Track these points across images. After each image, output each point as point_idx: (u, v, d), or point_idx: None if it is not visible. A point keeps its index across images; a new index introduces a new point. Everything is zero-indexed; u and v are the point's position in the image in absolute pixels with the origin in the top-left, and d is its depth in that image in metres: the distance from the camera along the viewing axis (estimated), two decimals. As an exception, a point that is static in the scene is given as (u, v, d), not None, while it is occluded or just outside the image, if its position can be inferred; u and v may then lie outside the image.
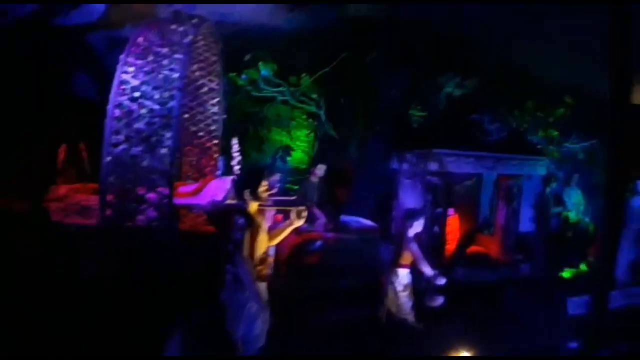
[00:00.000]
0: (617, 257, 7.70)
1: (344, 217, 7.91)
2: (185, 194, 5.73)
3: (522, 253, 8.27)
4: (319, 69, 7.56)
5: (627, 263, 7.72)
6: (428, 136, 7.53)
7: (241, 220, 5.06)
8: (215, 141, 6.75)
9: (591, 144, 9.68)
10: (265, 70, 7.16)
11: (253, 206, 5.31)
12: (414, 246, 6.25)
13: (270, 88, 7.35)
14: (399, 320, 6.29)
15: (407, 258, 6.24)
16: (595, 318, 4.53)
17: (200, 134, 6.63)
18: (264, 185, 5.24)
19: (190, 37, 5.44)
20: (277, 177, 6.52)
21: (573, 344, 5.89)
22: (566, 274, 8.42)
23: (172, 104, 5.07)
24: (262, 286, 5.37)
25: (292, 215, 5.51)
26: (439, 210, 7.65)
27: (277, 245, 6.33)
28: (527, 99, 9.04)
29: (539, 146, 8.89)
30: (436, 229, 7.62)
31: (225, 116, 6.74)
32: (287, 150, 8.09)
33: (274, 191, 6.34)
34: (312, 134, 7.97)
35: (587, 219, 9.49)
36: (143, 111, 5.01)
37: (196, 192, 5.70)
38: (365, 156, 7.95)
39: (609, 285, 6.90)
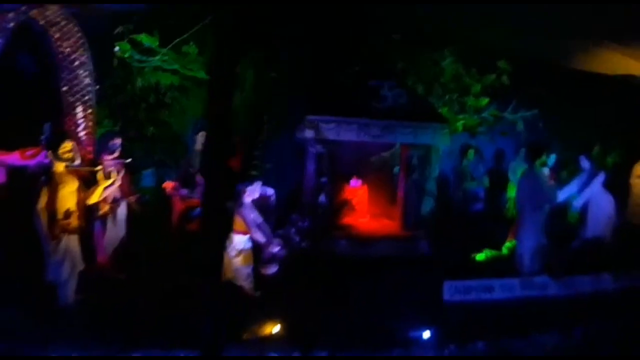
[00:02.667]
0: (524, 241, 7.24)
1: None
2: (26, 156, 6.20)
3: (424, 229, 7.84)
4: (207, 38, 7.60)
5: (532, 248, 7.09)
6: (310, 103, 7.37)
7: (43, 178, 5.46)
8: (90, 110, 7.16)
9: (532, 114, 8.86)
10: (148, 41, 7.37)
11: (59, 166, 5.66)
12: (247, 212, 6.33)
13: (153, 58, 7.54)
14: (235, 286, 6.30)
15: (240, 224, 6.28)
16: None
17: (77, 104, 7.06)
18: (64, 147, 5.59)
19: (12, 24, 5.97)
20: (117, 140, 6.76)
21: (423, 332, 5.75)
22: (480, 256, 7.90)
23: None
24: (73, 238, 5.71)
25: (99, 175, 5.82)
26: (324, 179, 7.52)
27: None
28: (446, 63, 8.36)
29: (459, 115, 8.35)
30: (322, 198, 7.56)
31: (97, 87, 7.08)
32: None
33: (115, 155, 6.70)
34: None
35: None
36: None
37: (33, 156, 6.15)
38: (265, 125, 7.90)
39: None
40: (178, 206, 7.85)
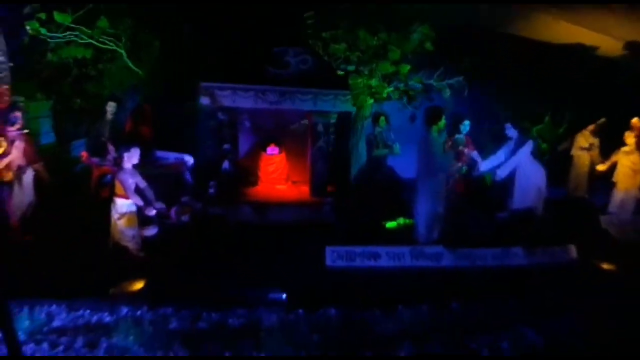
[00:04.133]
0: (419, 209, 7.22)
1: (158, 152, 8.33)
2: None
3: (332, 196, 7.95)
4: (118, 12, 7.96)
5: (427, 217, 7.12)
6: (208, 70, 7.59)
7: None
8: (6, 86, 7.64)
9: (457, 80, 8.68)
10: (60, 18, 7.79)
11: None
12: (126, 177, 6.65)
13: (67, 34, 7.97)
14: (120, 247, 6.65)
15: (120, 188, 6.61)
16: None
17: None
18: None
19: None
20: (18, 113, 7.19)
21: (279, 295, 5.91)
22: (391, 224, 7.93)
23: None
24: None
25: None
26: (226, 146, 7.75)
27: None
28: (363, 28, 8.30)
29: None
30: (225, 165, 7.79)
31: (11, 64, 7.56)
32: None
33: (17, 126, 7.16)
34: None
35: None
36: None
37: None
38: (170, 92, 8.19)
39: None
40: (94, 174, 8.29)
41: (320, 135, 8.01)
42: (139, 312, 5.43)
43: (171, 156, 8.40)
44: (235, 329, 5.26)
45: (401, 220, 8.19)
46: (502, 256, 7.25)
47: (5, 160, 7.02)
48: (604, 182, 9.05)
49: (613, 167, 8.85)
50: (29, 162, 7.41)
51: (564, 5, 9.08)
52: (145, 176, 7.14)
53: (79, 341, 4.81)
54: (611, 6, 9.25)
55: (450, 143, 8.07)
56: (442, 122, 7.19)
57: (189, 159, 8.34)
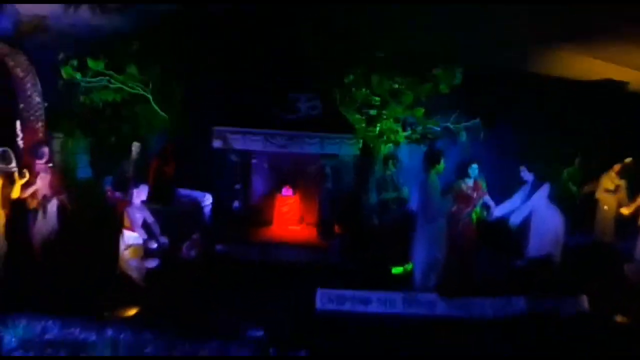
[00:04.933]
0: (416, 255, 7.24)
1: (180, 190, 8.93)
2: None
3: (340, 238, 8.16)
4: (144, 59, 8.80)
5: (424, 263, 7.15)
6: (222, 115, 8.14)
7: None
8: (41, 123, 8.62)
9: (473, 123, 8.67)
10: (93, 65, 8.70)
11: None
12: (133, 212, 7.21)
13: (98, 79, 8.87)
14: (126, 275, 7.20)
15: (127, 221, 7.17)
16: None
17: (32, 118, 8.56)
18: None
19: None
20: (45, 148, 7.98)
21: (257, 332, 6.13)
22: (397, 269, 7.97)
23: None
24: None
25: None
26: (238, 186, 8.19)
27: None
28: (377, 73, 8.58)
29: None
30: (235, 204, 8.20)
31: (46, 103, 8.54)
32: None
33: (44, 159, 7.96)
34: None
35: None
36: None
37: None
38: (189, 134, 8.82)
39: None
40: (119, 208, 8.98)
41: (327, 178, 8.26)
42: (121, 335, 5.83)
43: (192, 194, 8.97)
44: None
45: (408, 266, 8.13)
46: (502, 306, 7.02)
47: (30, 190, 7.78)
48: (633, 226, 8.54)
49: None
50: (54, 192, 8.21)
51: (590, 40, 8.84)
52: (164, 211, 7.67)
53: (61, 354, 5.37)
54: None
55: (478, 187, 8.03)
56: (442, 165, 7.20)
57: (207, 198, 8.83)
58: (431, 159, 7.25)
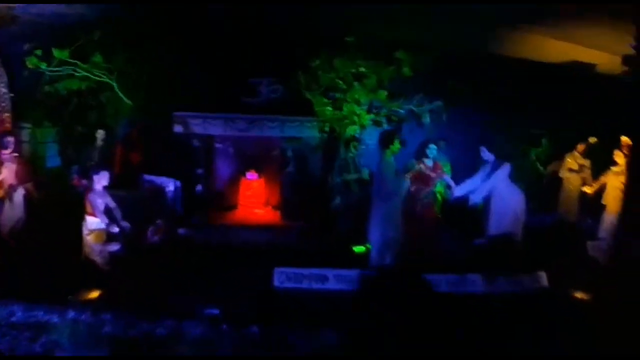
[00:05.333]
0: (372, 233, 7.40)
1: (145, 176, 9.05)
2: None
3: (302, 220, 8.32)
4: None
5: (380, 241, 7.32)
6: (182, 100, 8.26)
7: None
8: (7, 114, 8.76)
9: (436, 105, 8.80)
10: (58, 54, 8.80)
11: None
12: (94, 197, 7.36)
13: (63, 68, 8.98)
14: (89, 260, 7.36)
15: (89, 207, 7.32)
16: None
17: None
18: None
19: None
20: (10, 138, 8.11)
21: (213, 311, 6.26)
22: (359, 248, 8.11)
23: None
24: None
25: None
26: (200, 171, 8.32)
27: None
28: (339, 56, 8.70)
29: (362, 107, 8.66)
30: (198, 187, 8.32)
31: (12, 94, 8.64)
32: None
33: (9, 150, 8.10)
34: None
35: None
36: None
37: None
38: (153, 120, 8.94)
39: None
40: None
41: (289, 161, 8.39)
42: (82, 316, 6.11)
43: (157, 180, 9.11)
44: (160, 337, 5.79)
45: (369, 245, 8.29)
46: (458, 283, 7.19)
47: (-1, 179, 7.94)
48: (597, 205, 8.68)
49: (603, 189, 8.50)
50: (20, 182, 8.36)
51: (557, 23, 8.92)
52: (129, 197, 7.80)
53: (25, 335, 5.58)
54: (610, 21, 9.02)
55: (438, 167, 8.18)
56: (396, 146, 7.33)
57: (172, 183, 8.97)
58: (385, 140, 7.40)
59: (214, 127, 8.29)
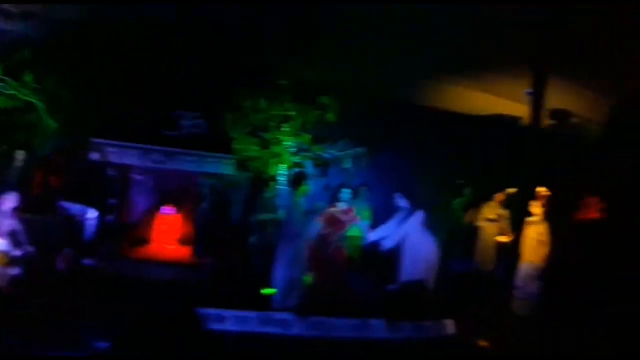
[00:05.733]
0: (275, 274, 7.40)
1: (63, 202, 8.89)
2: None
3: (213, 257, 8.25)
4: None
5: (283, 282, 7.28)
6: (104, 127, 8.25)
7: None
8: None
9: (356, 151, 9.02)
10: None
11: None
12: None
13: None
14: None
15: (-3, 229, 7.18)
16: None
17: None
18: None
19: None
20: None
21: (102, 344, 6.11)
22: (268, 290, 8.04)
23: None
24: None
25: None
26: (113, 201, 8.23)
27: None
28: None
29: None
30: (109, 217, 8.20)
31: None
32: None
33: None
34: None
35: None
36: None
37: None
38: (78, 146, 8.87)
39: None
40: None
41: (205, 197, 8.41)
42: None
43: (72, 207, 8.97)
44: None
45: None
46: (360, 328, 7.20)
47: None
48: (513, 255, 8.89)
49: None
50: None
51: (479, 75, 9.38)
52: (40, 221, 7.66)
53: None
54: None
55: (350, 212, 8.27)
56: (306, 187, 7.46)
57: (86, 211, 8.84)
58: (295, 181, 7.54)
59: (130, 157, 8.28)
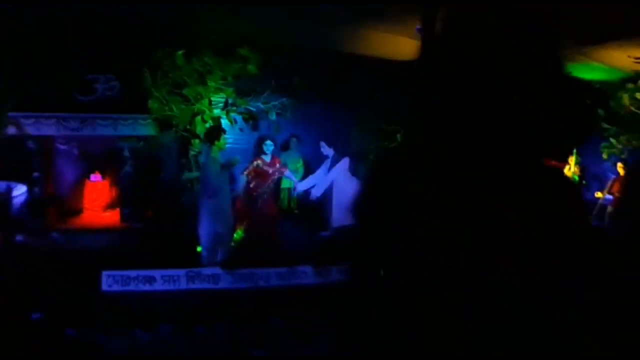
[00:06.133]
0: (199, 230, 7.45)
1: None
2: None
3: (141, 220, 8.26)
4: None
5: (207, 238, 7.33)
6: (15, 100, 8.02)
7: None
8: None
9: (281, 102, 8.94)
10: None
11: None
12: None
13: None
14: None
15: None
16: None
17: None
18: None
19: None
20: None
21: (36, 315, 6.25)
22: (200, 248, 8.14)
23: None
24: None
25: None
26: (36, 174, 8.12)
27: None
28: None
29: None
30: (35, 190, 8.13)
31: None
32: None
33: None
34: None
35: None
36: None
37: None
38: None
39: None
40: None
41: (126, 160, 8.34)
42: None
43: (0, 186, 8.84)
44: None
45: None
46: (288, 276, 7.38)
47: None
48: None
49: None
50: None
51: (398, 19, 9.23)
52: None
53: None
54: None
55: (277, 161, 8.34)
56: (222, 142, 7.47)
57: (15, 189, 8.72)
58: (210, 136, 7.51)
59: (47, 127, 8.11)
